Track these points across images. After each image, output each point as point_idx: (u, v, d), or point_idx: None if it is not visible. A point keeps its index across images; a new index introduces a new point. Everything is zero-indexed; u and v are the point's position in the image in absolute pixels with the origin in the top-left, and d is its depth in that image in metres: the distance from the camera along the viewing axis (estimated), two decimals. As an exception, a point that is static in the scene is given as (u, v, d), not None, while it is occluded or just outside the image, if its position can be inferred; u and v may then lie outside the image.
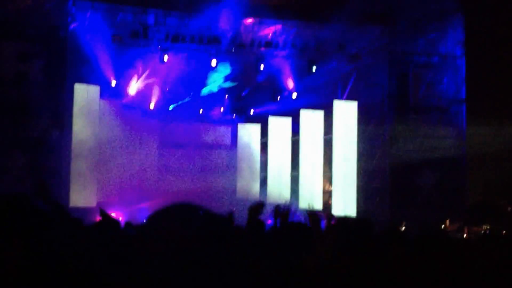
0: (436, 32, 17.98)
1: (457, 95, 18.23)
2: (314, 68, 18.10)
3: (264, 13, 17.52)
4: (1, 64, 17.60)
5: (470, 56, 18.01)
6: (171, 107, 20.38)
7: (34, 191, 5.63)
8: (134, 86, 19.54)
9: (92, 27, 17.85)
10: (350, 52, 18.32)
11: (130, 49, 18.44)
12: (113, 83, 18.62)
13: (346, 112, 18.64)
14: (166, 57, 18.11)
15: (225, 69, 18.77)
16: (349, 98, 19.09)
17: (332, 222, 6.40)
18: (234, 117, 21.58)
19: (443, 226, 17.30)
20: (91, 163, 18.25)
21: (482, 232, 16.91)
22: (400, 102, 18.00)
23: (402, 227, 17.25)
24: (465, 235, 16.96)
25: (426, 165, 17.67)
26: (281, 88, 19.44)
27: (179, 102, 20.09)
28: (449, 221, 17.44)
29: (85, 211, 17.51)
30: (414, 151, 17.61)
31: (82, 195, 18.04)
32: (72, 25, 17.69)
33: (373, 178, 18.12)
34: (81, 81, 18.30)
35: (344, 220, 5.93)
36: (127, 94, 19.51)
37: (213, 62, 17.98)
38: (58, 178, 17.42)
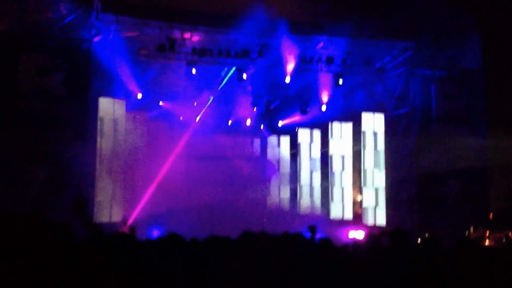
0: (455, 47, 18.84)
1: (478, 108, 19.09)
2: (341, 81, 18.55)
3: (290, 29, 17.86)
4: (21, 77, 17.10)
5: (489, 70, 18.97)
6: (198, 119, 20.25)
7: (72, 209, 5.55)
8: (161, 100, 19.38)
9: (117, 41, 17.63)
10: (375, 66, 18.95)
11: (156, 62, 18.31)
12: (139, 96, 18.38)
13: (373, 124, 19.24)
14: (194, 70, 18.10)
15: (253, 82, 18.93)
16: (376, 110, 19.62)
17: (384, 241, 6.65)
18: (262, 128, 21.63)
19: (467, 232, 18.04)
20: (116, 177, 17.89)
21: (504, 238, 17.76)
22: (424, 114, 18.71)
23: (426, 235, 17.90)
24: (487, 241, 17.75)
25: (451, 174, 18.40)
26: (309, 101, 19.73)
27: (203, 112, 19.97)
28: (473, 228, 18.18)
29: (110, 226, 17.13)
30: (439, 161, 18.30)
31: (107, 210, 17.65)
32: (96, 38, 17.38)
33: (401, 188, 18.73)
34: (106, 94, 18.04)
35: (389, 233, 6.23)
36: (153, 107, 19.29)
37: (244, 76, 18.11)
38: (82, 194, 16.96)
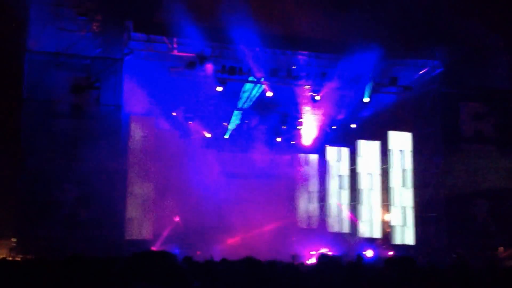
0: (484, 67, 18.84)
1: (507, 127, 19.05)
2: (367, 100, 18.64)
3: (317, 48, 18.03)
4: (57, 96, 17.36)
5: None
6: (227, 135, 20.46)
7: None
8: (191, 117, 19.60)
9: (148, 58, 17.87)
10: (402, 84, 19.01)
11: (186, 79, 18.52)
12: (171, 113, 18.62)
13: (401, 143, 19.27)
14: (220, 88, 18.29)
15: (282, 100, 19.10)
16: (403, 129, 19.66)
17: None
18: (291, 147, 21.78)
19: (496, 253, 17.97)
20: (147, 195, 18.06)
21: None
22: (452, 133, 18.71)
23: (455, 256, 17.89)
24: (517, 262, 17.66)
25: (479, 194, 18.37)
26: (336, 119, 19.85)
27: (230, 128, 20.18)
28: (503, 248, 18.10)
29: (141, 244, 17.34)
30: (467, 181, 18.28)
31: (138, 228, 17.81)
32: (128, 57, 17.64)
33: (429, 207, 18.70)
34: (138, 112, 18.23)
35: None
36: (183, 125, 19.51)
37: (269, 93, 18.28)
38: (114, 211, 17.19)
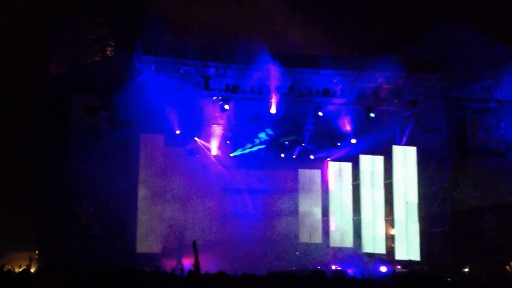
0: (491, 79, 18.35)
1: (514, 139, 18.43)
2: (372, 115, 18.55)
3: (321, 65, 18.17)
4: (72, 116, 18.48)
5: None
6: (232, 154, 20.97)
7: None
8: (197, 135, 20.27)
9: (156, 80, 18.61)
10: (407, 98, 18.81)
11: (192, 99, 19.16)
12: (177, 131, 19.35)
13: (405, 157, 19.05)
14: (227, 106, 18.80)
15: (285, 117, 19.34)
16: (408, 143, 19.51)
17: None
18: (294, 162, 21.99)
19: (507, 268, 17.36)
20: (157, 210, 18.87)
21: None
22: (459, 147, 18.34)
23: (465, 269, 17.47)
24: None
25: (487, 209, 17.85)
26: (340, 134, 19.89)
27: (240, 150, 20.68)
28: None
29: (150, 257, 18.12)
30: (475, 195, 17.83)
31: (148, 242, 18.59)
32: (138, 78, 18.49)
33: (435, 222, 18.42)
34: (147, 131, 19.05)
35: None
36: (190, 142, 20.20)
37: (272, 109, 18.58)
38: (125, 225, 18.09)
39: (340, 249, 20.55)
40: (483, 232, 17.92)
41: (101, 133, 18.52)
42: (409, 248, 18.52)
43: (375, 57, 17.76)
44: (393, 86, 18.60)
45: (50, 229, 17.55)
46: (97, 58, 19.39)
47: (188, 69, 18.69)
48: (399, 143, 19.50)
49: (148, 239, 18.68)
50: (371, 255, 19.52)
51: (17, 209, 19.82)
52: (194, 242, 5.99)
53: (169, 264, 17.55)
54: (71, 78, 18.75)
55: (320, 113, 18.93)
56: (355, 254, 19.97)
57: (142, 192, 18.80)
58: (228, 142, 20.76)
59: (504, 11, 17.98)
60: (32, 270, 16.82)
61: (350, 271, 16.29)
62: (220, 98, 18.77)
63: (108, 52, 19.37)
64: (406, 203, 18.83)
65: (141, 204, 18.72)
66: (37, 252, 18.52)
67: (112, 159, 18.07)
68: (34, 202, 18.77)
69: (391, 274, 16.88)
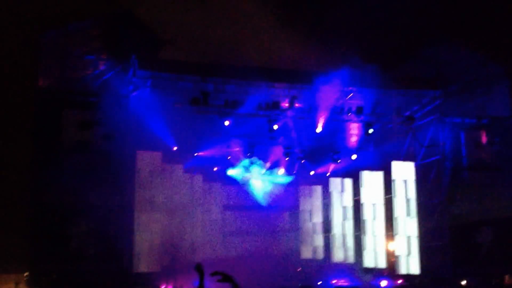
0: (485, 95, 18.93)
1: (509, 155, 19.00)
2: (371, 130, 18.78)
3: (318, 81, 18.26)
4: (64, 132, 17.82)
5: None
6: (229, 172, 20.79)
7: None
8: (195, 151, 19.95)
9: (153, 95, 18.24)
10: (405, 115, 19.15)
11: (190, 114, 18.85)
12: (174, 148, 18.99)
13: (404, 173, 19.35)
14: (226, 122, 18.61)
15: (284, 133, 19.33)
16: (406, 158, 19.79)
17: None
18: (294, 178, 21.95)
19: (503, 280, 17.86)
20: (154, 228, 18.37)
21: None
22: (455, 162, 18.79)
23: (463, 281, 17.88)
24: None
25: (484, 223, 18.34)
26: (340, 150, 20.02)
27: (238, 166, 20.52)
28: (508, 276, 17.98)
29: (148, 277, 17.62)
30: (471, 210, 18.32)
31: (145, 261, 18.09)
32: (133, 93, 18.06)
33: (434, 236, 18.76)
34: (143, 147, 18.56)
35: None
36: (188, 159, 19.86)
37: (275, 127, 18.52)
38: (121, 244, 17.50)
39: (341, 264, 20.63)
40: (480, 245, 18.38)
41: (94, 148, 17.89)
42: (409, 262, 18.79)
43: (374, 73, 18.05)
44: (391, 102, 18.97)
45: (41, 250, 16.75)
46: (89, 72, 18.85)
47: (185, 84, 18.42)
48: (397, 158, 19.79)
49: (145, 259, 18.15)
50: (370, 270, 19.69)
51: (6, 228, 18.91)
52: (198, 265, 5.80)
53: (167, 284, 17.15)
54: (62, 92, 18.11)
55: (319, 129, 19.01)
56: (356, 269, 20.11)
57: (138, 209, 18.28)
58: (229, 157, 20.55)
59: (495, 32, 18.62)
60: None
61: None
62: (219, 113, 18.59)
63: (102, 65, 18.85)
64: (406, 217, 19.11)
65: (137, 222, 18.20)
66: (26, 274, 17.74)
67: (106, 175, 17.49)
68: (24, 221, 17.99)
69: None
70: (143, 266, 18.00)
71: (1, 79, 18.82)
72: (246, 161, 20.80)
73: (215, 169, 20.67)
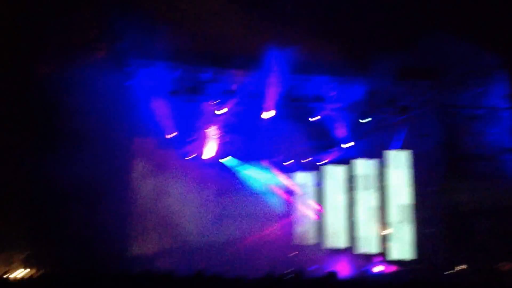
0: (481, 86, 18.89)
1: (504, 145, 18.98)
2: (366, 120, 18.83)
3: (316, 70, 18.30)
4: (61, 120, 18.01)
5: (515, 108, 18.87)
6: (222, 160, 20.98)
7: None
8: (191, 138, 20.14)
9: (149, 83, 18.36)
10: (400, 105, 19.16)
11: (186, 103, 18.99)
12: (171, 135, 19.16)
13: (399, 161, 19.38)
14: (221, 111, 18.73)
15: (279, 121, 19.42)
16: (401, 147, 19.83)
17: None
18: (289, 165, 22.12)
19: (496, 268, 17.86)
20: (151, 212, 18.73)
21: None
22: (450, 152, 18.76)
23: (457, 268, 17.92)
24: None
25: (479, 211, 18.36)
26: (335, 139, 20.11)
27: (230, 158, 20.72)
28: (503, 264, 17.97)
29: (145, 259, 17.90)
30: (467, 199, 18.32)
31: (142, 244, 18.44)
32: (129, 82, 18.21)
33: (428, 225, 18.80)
34: (139, 135, 18.77)
35: None
36: (185, 146, 20.06)
37: (269, 114, 18.57)
38: (118, 228, 17.69)
39: (334, 250, 20.83)
40: (475, 235, 18.41)
41: (93, 136, 18.10)
42: (402, 248, 18.87)
43: (368, 63, 18.07)
44: (386, 92, 18.98)
45: (41, 234, 17.08)
46: (88, 62, 18.99)
47: (182, 73, 18.55)
48: (393, 148, 19.85)
49: (142, 241, 18.49)
50: (363, 256, 19.88)
51: (5, 213, 19.18)
52: None
53: (164, 266, 17.40)
54: (62, 80, 18.31)
55: (314, 118, 19.11)
56: (349, 255, 20.29)
57: (135, 194, 18.54)
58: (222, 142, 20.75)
59: (492, 22, 18.51)
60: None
61: (344, 272, 16.58)
62: (215, 102, 18.70)
63: (99, 56, 18.98)
64: (400, 205, 19.23)
65: (134, 206, 18.47)
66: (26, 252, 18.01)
67: (103, 162, 17.72)
68: (22, 206, 18.26)
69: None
70: (139, 249, 18.32)
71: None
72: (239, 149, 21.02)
73: (206, 156, 20.81)
